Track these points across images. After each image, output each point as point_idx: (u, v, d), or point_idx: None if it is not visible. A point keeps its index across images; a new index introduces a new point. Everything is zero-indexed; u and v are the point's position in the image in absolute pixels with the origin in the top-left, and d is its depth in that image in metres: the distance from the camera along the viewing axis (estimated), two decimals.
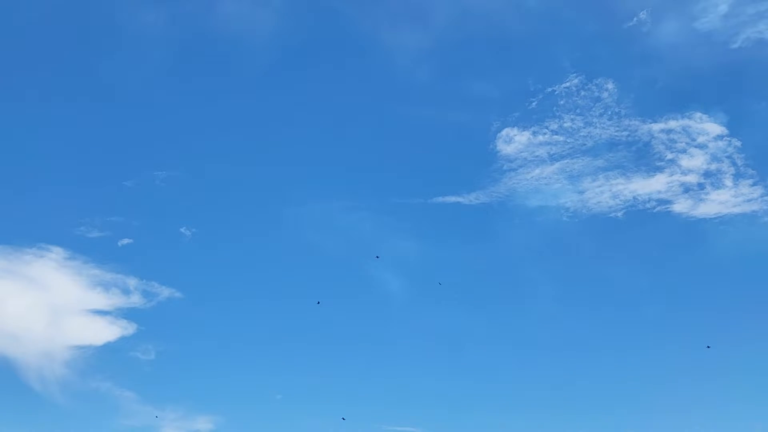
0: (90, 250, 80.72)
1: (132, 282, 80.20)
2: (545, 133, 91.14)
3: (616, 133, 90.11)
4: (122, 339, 76.85)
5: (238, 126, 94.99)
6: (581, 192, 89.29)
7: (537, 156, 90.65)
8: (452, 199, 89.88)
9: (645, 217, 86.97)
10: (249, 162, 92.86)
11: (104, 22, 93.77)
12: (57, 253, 79.05)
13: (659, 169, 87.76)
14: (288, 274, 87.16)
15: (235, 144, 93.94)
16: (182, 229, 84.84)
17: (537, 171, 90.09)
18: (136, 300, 79.22)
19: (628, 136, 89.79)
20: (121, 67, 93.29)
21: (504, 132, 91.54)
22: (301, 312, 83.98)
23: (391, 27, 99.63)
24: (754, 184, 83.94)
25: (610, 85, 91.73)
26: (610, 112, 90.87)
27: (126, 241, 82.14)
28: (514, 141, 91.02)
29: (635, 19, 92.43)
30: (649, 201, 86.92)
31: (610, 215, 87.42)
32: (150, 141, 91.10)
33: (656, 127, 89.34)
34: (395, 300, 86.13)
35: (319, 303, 79.78)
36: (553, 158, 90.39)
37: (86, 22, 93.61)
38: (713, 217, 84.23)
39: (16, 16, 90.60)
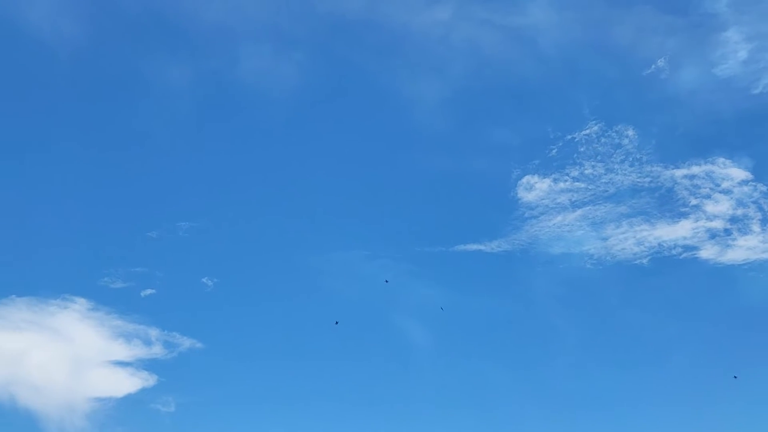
0: (113, 300, 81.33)
1: (154, 333, 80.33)
2: (566, 180, 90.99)
3: (638, 180, 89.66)
4: (143, 391, 76.45)
5: (260, 177, 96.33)
6: (605, 239, 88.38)
7: (558, 203, 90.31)
8: (474, 247, 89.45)
9: (671, 264, 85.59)
10: (271, 212, 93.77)
11: (130, 76, 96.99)
12: (81, 304, 79.70)
13: (684, 215, 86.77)
14: (310, 325, 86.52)
15: (257, 195, 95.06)
16: (204, 280, 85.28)
17: (559, 218, 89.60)
18: (157, 351, 79.15)
19: (651, 182, 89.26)
20: (145, 119, 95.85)
21: (524, 179, 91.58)
22: (322, 363, 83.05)
23: (409, 78, 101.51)
24: None
25: (630, 132, 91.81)
26: (631, 159, 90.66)
27: (149, 291, 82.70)
28: (534, 188, 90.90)
29: (653, 66, 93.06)
30: (674, 247, 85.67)
31: (636, 262, 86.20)
32: (173, 192, 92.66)
33: (679, 172, 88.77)
34: (417, 350, 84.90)
35: (337, 323, 78.99)
36: (575, 205, 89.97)
37: (113, 75, 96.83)
38: (742, 263, 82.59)
39: (45, 66, 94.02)
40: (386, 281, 77.58)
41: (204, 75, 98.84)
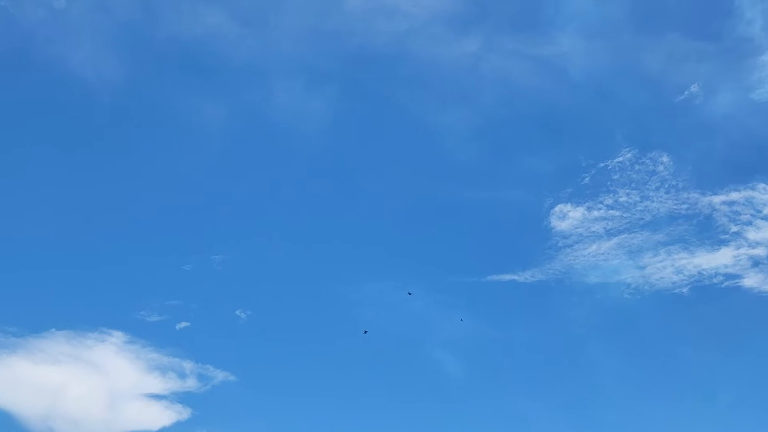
0: (149, 333, 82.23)
1: (188, 366, 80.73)
2: (600, 209, 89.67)
3: (675, 207, 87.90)
4: (177, 424, 76.53)
5: (293, 209, 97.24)
6: (642, 267, 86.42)
7: (593, 231, 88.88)
8: (507, 277, 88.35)
9: (713, 293, 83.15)
10: (304, 244, 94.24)
11: (167, 113, 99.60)
12: (117, 337, 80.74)
13: (724, 243, 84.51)
14: (343, 356, 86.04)
15: (290, 227, 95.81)
16: (237, 312, 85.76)
17: (594, 247, 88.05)
18: (191, 384, 79.43)
19: (688, 209, 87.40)
20: (180, 154, 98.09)
21: (557, 208, 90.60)
22: (356, 395, 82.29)
23: (440, 108, 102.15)
24: None
25: (665, 159, 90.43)
26: (667, 186, 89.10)
27: (183, 324, 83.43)
28: (568, 217, 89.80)
29: (686, 92, 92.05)
30: (716, 276, 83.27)
31: (675, 291, 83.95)
32: (207, 225, 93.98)
33: (717, 199, 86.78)
34: (452, 381, 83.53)
35: (366, 332, 78.72)
36: (610, 233, 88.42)
37: (150, 112, 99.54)
38: None
39: (86, 105, 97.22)
40: (409, 293, 77.14)
41: (238, 111, 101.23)
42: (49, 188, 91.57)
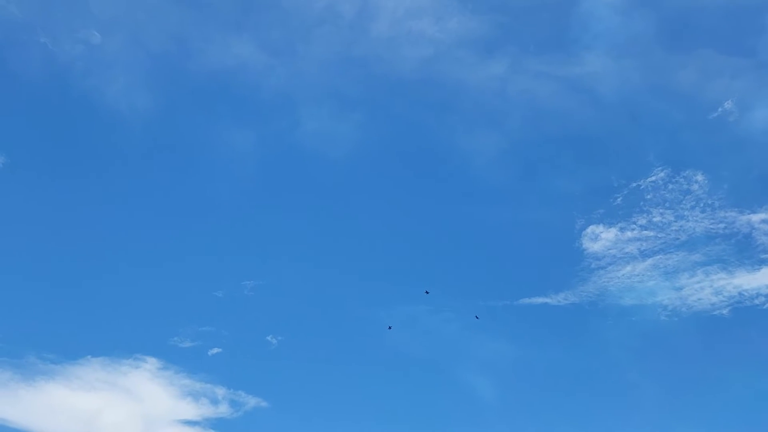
0: (182, 360, 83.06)
1: (220, 391, 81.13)
2: (633, 229, 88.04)
3: (711, 226, 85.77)
4: None
5: (323, 234, 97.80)
6: (679, 289, 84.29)
7: (627, 253, 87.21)
8: (540, 300, 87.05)
9: (755, 314, 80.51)
10: (334, 268, 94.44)
11: (198, 142, 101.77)
12: (152, 363, 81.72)
13: (765, 262, 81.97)
14: (375, 380, 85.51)
15: (319, 251, 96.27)
16: (269, 338, 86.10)
17: (628, 268, 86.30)
18: (223, 410, 79.69)
19: (725, 228, 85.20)
20: (210, 181, 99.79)
21: (589, 229, 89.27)
22: (388, 419, 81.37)
23: (467, 132, 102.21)
24: None
25: (699, 177, 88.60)
26: (702, 205, 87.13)
27: (216, 350, 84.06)
28: (600, 238, 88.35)
29: (720, 109, 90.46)
30: (757, 297, 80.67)
31: (714, 313, 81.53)
32: (238, 251, 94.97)
33: (756, 217, 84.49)
34: (484, 406, 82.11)
35: (390, 328, 78.71)
36: (644, 254, 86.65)
37: (182, 142, 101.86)
38: None
39: (120, 136, 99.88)
40: (426, 292, 76.76)
41: (267, 138, 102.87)
42: (84, 216, 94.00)
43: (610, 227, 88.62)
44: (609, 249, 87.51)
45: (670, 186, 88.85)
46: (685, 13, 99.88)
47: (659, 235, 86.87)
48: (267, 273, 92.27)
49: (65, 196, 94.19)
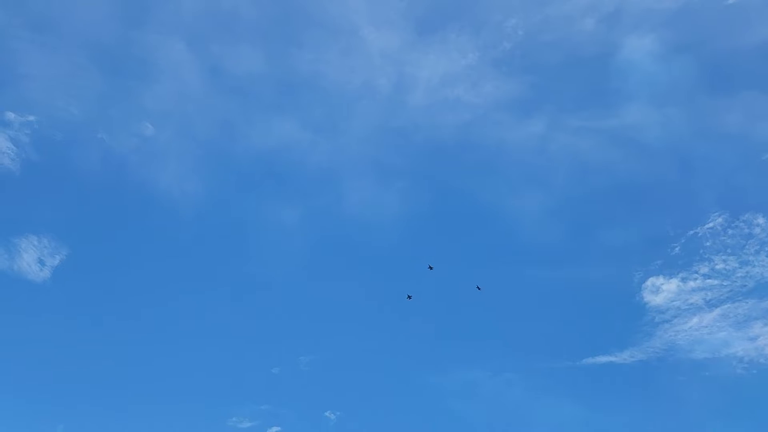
0: None
1: None
2: (696, 279, 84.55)
3: None
4: None
5: (375, 303, 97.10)
6: (753, 339, 79.72)
7: (692, 304, 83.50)
8: (604, 359, 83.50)
9: None
10: (389, 337, 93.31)
11: (247, 222, 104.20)
12: None
13: None
14: None
15: (373, 321, 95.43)
16: (327, 413, 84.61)
17: (695, 320, 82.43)
18: None
19: None
20: (261, 260, 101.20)
21: (649, 282, 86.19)
22: None
23: (511, 192, 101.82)
24: None
25: (760, 220, 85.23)
26: (767, 249, 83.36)
27: (275, 429, 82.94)
28: (662, 290, 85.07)
29: None
30: None
31: None
32: (292, 327, 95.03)
33: None
34: None
35: (409, 297, 77.07)
36: (710, 304, 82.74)
37: (231, 224, 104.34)
38: None
39: (173, 222, 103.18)
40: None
41: (313, 213, 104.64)
42: (143, 301, 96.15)
43: (671, 278, 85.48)
44: (672, 301, 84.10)
45: (730, 231, 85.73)
46: (724, 56, 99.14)
47: (724, 283, 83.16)
48: (322, 346, 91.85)
49: (125, 284, 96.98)
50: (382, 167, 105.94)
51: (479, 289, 79.36)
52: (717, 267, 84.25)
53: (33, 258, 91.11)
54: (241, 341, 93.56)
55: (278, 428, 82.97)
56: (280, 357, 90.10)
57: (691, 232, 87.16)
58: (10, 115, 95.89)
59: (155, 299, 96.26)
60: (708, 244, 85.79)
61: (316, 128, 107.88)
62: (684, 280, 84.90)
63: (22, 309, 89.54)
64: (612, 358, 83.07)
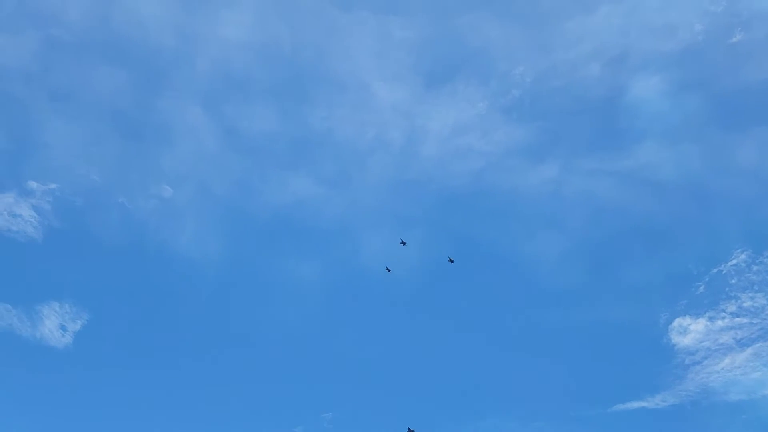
0: None
1: None
2: (724, 318, 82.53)
3: None
4: None
5: (396, 354, 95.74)
6: None
7: (722, 344, 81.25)
8: (635, 404, 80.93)
9: None
10: (414, 388, 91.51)
11: (266, 278, 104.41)
12: None
13: None
14: None
15: (396, 372, 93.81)
16: None
17: (727, 360, 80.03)
18: None
19: None
20: (280, 316, 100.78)
21: (675, 323, 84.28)
22: None
23: (527, 237, 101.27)
24: None
25: None
26: None
27: None
28: (689, 331, 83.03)
29: None
30: None
31: None
32: (313, 384, 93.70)
33: None
34: None
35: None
36: (741, 344, 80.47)
37: (248, 278, 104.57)
38: None
39: (193, 280, 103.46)
40: (402, 242, 73.14)
41: (331, 266, 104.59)
42: (165, 362, 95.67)
43: (698, 318, 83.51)
44: (701, 341, 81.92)
45: (755, 267, 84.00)
46: (732, 93, 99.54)
47: (754, 321, 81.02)
48: (343, 403, 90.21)
49: (146, 346, 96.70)
50: (396, 218, 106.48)
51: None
52: (745, 305, 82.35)
53: (55, 324, 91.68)
54: (262, 401, 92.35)
55: None
56: (302, 415, 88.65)
57: (715, 270, 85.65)
58: (33, 184, 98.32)
59: (176, 361, 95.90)
60: (733, 281, 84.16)
61: (330, 183, 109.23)
62: (711, 319, 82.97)
63: (45, 375, 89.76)
64: (644, 404, 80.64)
